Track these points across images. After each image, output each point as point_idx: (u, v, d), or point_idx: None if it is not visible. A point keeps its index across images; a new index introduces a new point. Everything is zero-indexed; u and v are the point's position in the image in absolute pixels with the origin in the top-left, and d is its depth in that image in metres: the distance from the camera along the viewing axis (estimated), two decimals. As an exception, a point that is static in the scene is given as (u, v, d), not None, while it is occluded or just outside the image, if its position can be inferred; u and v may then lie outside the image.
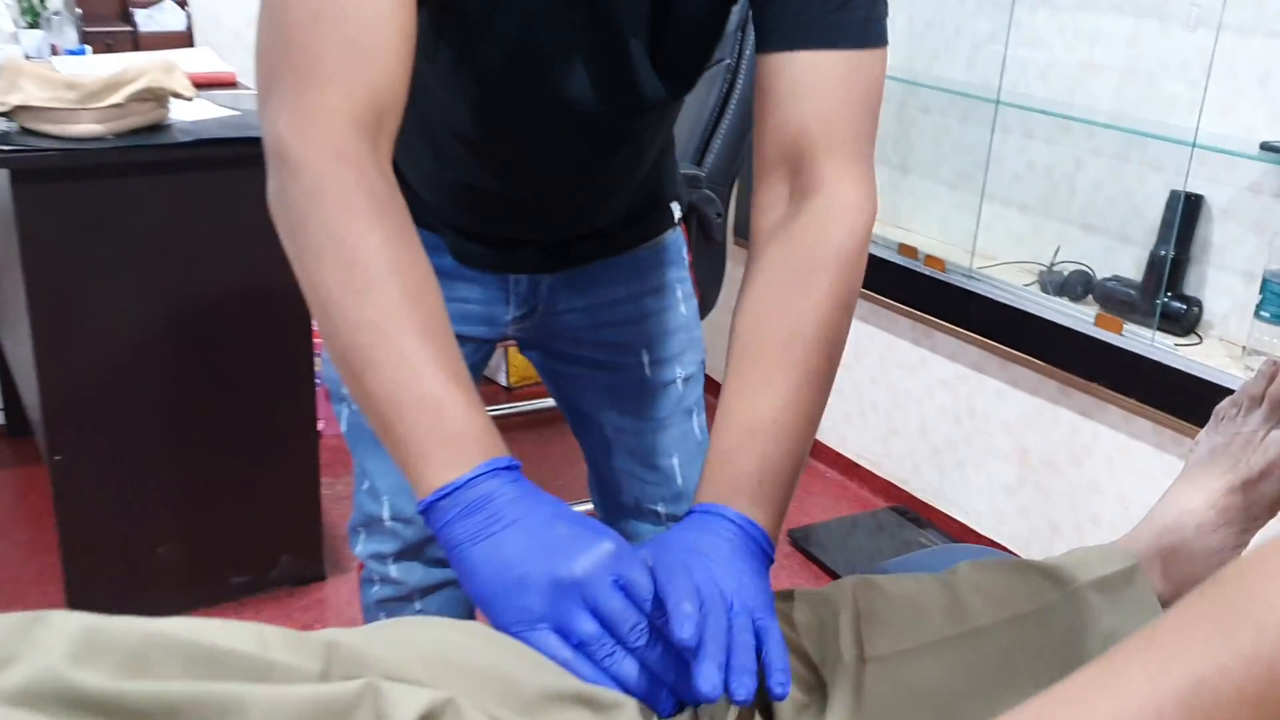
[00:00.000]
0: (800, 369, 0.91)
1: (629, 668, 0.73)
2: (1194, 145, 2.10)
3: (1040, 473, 2.45)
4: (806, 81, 0.96)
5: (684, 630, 0.70)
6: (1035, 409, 2.44)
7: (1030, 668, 0.88)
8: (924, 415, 2.71)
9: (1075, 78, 2.39)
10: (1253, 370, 1.22)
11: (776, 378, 0.91)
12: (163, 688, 0.58)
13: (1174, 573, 1.01)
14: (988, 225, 2.59)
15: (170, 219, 1.96)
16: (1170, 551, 1.02)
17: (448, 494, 0.77)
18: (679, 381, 1.34)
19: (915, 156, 2.79)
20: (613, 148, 1.16)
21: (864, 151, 0.98)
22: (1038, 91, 2.46)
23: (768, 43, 0.97)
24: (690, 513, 0.87)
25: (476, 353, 1.29)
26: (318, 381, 2.20)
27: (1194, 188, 2.17)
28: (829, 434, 3.00)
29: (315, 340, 2.15)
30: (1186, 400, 2.09)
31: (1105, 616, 0.94)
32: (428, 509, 0.78)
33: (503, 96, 1.06)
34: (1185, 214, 2.17)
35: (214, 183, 1.98)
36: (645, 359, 1.32)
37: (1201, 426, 1.09)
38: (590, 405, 1.35)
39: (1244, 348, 2.11)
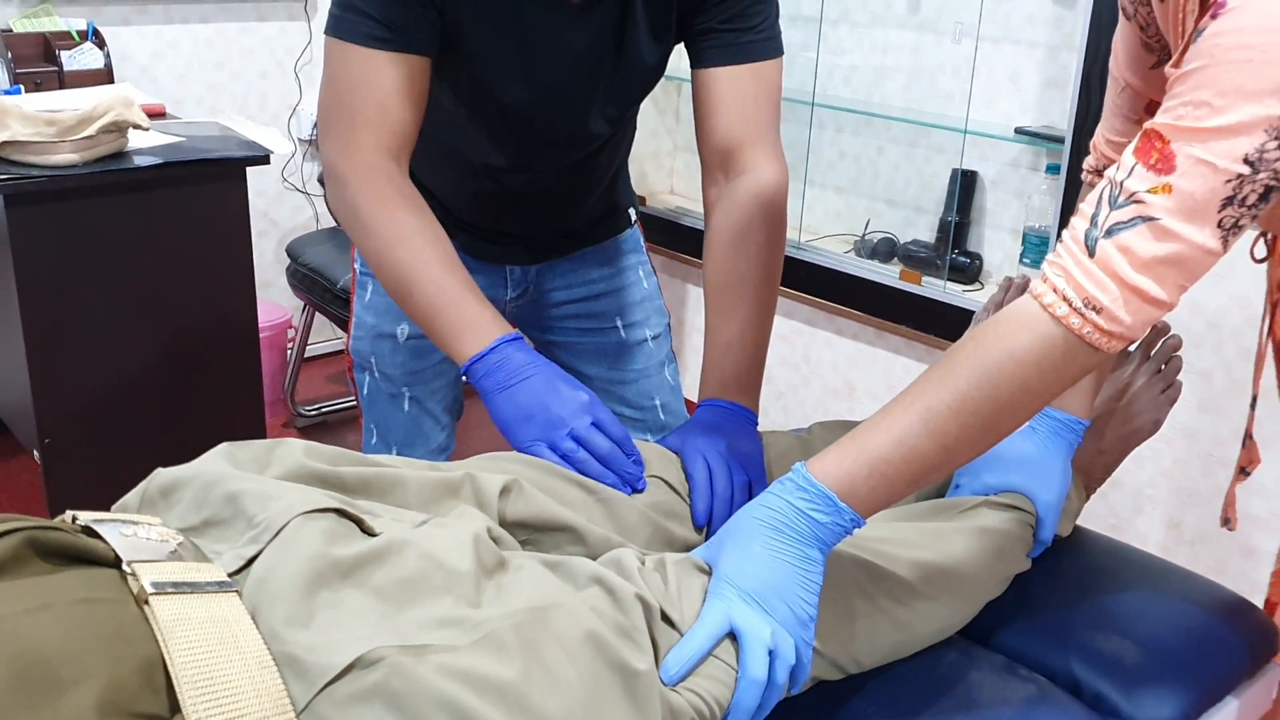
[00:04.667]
0: (752, 300, 1.34)
1: (595, 469, 1.14)
2: (966, 132, 2.64)
3: (865, 403, 2.97)
4: (730, 91, 1.31)
5: (700, 519, 1.17)
6: (858, 351, 2.95)
7: None
8: (768, 366, 3.17)
9: (872, 81, 2.91)
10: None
11: (738, 308, 1.34)
12: (360, 469, 1.00)
13: None
14: (810, 206, 3.08)
15: (135, 230, 2.31)
16: None
17: (478, 360, 1.20)
18: (649, 340, 1.63)
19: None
20: (581, 167, 1.50)
21: (774, 137, 1.35)
22: (843, 93, 2.96)
23: (699, 62, 1.33)
24: (700, 405, 1.32)
25: None
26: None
27: (969, 166, 2.70)
28: (688, 390, 3.46)
29: (259, 328, 2.53)
30: (973, 334, 2.62)
31: None
32: (467, 371, 1.21)
33: (513, 133, 1.40)
34: (964, 187, 2.71)
35: (170, 198, 2.34)
36: (619, 324, 1.61)
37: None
38: (582, 365, 1.62)
39: (1013, 289, 2.65)
